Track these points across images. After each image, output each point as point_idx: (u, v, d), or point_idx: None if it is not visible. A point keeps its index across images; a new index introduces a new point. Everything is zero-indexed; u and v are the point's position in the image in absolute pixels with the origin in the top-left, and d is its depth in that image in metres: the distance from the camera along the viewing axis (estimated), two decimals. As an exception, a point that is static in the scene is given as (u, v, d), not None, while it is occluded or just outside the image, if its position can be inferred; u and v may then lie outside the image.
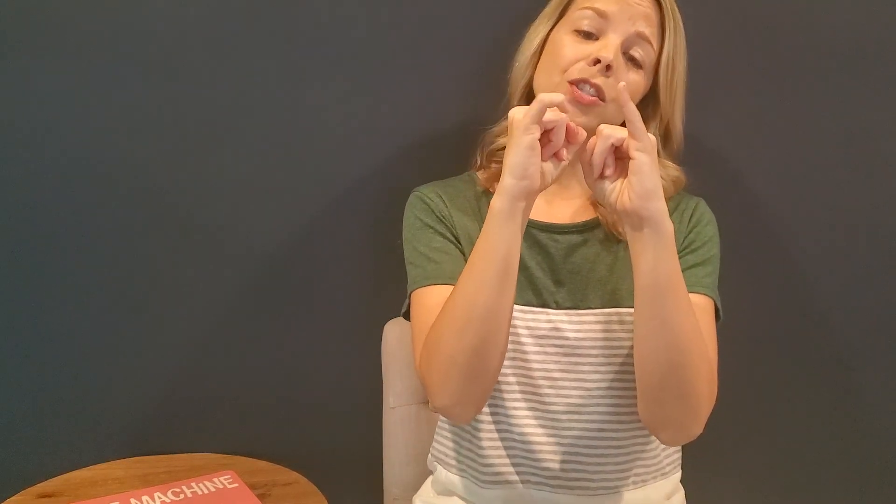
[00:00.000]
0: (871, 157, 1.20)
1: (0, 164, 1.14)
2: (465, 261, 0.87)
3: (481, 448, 0.95)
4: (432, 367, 0.84)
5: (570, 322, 0.92)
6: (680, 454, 1.02)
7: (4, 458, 1.20)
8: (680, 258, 0.91)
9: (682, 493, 1.01)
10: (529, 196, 0.79)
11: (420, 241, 0.95)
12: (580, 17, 0.91)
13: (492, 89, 1.18)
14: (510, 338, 0.88)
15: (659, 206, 0.78)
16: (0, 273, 1.17)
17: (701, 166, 1.07)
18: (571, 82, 0.89)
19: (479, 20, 1.16)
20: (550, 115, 0.78)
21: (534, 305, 0.93)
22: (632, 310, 0.86)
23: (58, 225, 1.17)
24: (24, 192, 1.15)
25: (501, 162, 0.82)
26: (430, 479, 1.05)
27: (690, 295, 0.87)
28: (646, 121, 0.88)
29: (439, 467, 1.01)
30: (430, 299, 0.90)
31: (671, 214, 0.94)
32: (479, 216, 0.96)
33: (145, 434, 1.22)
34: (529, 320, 0.93)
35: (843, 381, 1.25)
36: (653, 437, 0.94)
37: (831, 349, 1.24)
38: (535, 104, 0.77)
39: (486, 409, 0.94)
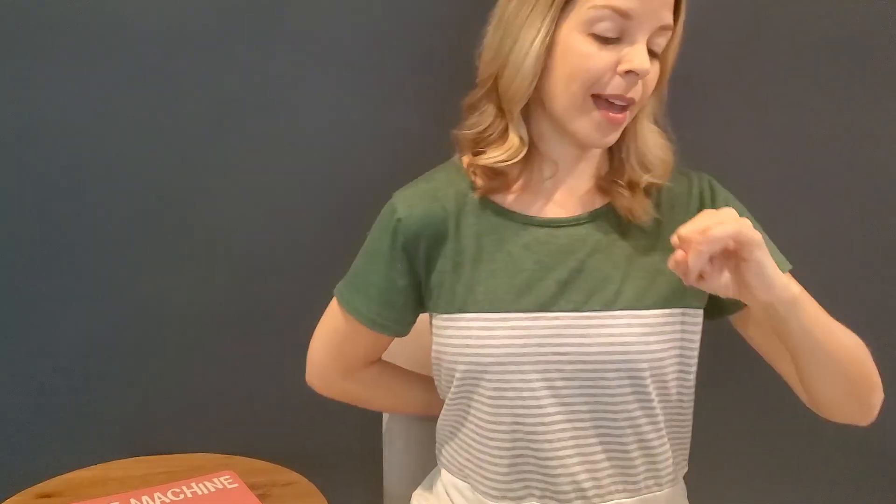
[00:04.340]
0: (872, 157, 1.20)
1: (0, 165, 1.14)
2: (399, 300, 0.91)
3: (484, 459, 0.89)
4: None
5: (574, 327, 0.84)
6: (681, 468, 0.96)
7: (4, 458, 1.20)
8: None
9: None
10: None
11: (368, 258, 0.93)
12: (597, 17, 0.77)
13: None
14: (503, 349, 0.84)
15: (784, 283, 0.74)
16: (0, 273, 1.17)
17: (700, 166, 1.06)
18: (603, 97, 0.80)
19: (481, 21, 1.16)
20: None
21: (532, 311, 0.84)
22: (639, 312, 0.83)
23: (57, 225, 1.17)
24: (24, 193, 1.15)
25: (494, 171, 0.85)
26: (435, 473, 1.02)
27: None
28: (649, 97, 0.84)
29: (443, 471, 0.97)
30: (335, 317, 0.96)
31: (687, 199, 0.89)
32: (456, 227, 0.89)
33: (145, 434, 1.22)
34: (528, 327, 0.84)
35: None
36: (660, 460, 0.89)
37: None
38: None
39: (500, 425, 0.86)
